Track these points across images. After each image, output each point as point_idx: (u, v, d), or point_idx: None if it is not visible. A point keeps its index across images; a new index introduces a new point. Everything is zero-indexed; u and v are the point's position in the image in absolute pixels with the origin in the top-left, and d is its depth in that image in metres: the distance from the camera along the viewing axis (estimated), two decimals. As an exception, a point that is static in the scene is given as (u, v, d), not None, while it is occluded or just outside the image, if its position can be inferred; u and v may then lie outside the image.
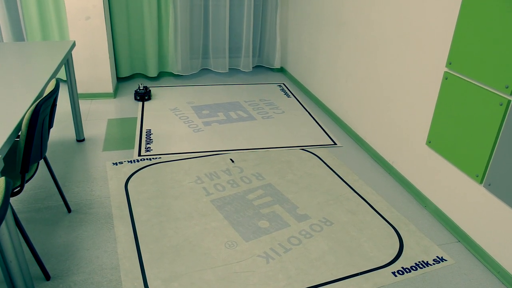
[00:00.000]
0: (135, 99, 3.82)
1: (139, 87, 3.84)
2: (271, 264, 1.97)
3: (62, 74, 4.05)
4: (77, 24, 3.53)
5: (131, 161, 2.79)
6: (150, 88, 4.11)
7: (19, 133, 1.62)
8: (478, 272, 1.99)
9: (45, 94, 1.71)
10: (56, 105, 2.00)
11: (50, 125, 1.99)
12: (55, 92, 1.80)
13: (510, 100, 1.82)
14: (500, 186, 1.91)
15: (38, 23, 3.74)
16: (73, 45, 2.74)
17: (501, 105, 1.86)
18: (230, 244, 2.09)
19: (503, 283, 1.93)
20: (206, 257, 1.99)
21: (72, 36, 3.57)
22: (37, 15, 3.70)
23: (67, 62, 2.76)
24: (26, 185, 2.48)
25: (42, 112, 1.65)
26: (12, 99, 1.83)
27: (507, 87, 1.82)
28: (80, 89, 3.77)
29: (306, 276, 1.91)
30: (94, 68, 3.71)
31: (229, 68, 4.80)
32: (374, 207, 2.43)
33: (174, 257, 1.98)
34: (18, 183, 1.70)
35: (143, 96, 3.82)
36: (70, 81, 2.84)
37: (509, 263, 1.91)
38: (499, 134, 1.90)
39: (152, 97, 3.92)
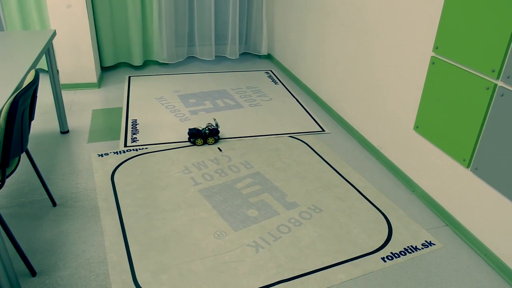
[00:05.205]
0: (190, 141, 2.86)
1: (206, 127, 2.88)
2: (261, 253, 1.96)
3: (44, 65, 3.95)
4: (58, 13, 3.43)
5: (116, 152, 2.74)
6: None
7: (-2, 127, 1.57)
8: (465, 255, 2.01)
9: (24, 86, 1.65)
10: (36, 96, 1.95)
11: (31, 117, 1.94)
12: (34, 83, 1.74)
13: (497, 84, 1.81)
14: (487, 170, 1.92)
15: (18, 12, 3.63)
16: (54, 34, 2.66)
17: (487, 89, 1.86)
18: (219, 234, 2.07)
19: (490, 266, 1.95)
20: (195, 248, 1.98)
21: (53, 25, 3.47)
22: (16, 3, 3.59)
23: (48, 51, 2.69)
24: (9, 180, 2.42)
25: (21, 104, 1.60)
26: (-10, 91, 1.78)
27: (493, 71, 1.81)
28: (63, 80, 3.69)
29: (296, 264, 1.91)
30: (77, 57, 3.62)
31: (215, 56, 4.73)
32: (363, 193, 2.43)
33: (163, 249, 1.96)
34: (-1, 178, 1.66)
35: (211, 134, 2.87)
36: (52, 72, 2.77)
37: (495, 245, 1.92)
38: (485, 118, 1.90)
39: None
